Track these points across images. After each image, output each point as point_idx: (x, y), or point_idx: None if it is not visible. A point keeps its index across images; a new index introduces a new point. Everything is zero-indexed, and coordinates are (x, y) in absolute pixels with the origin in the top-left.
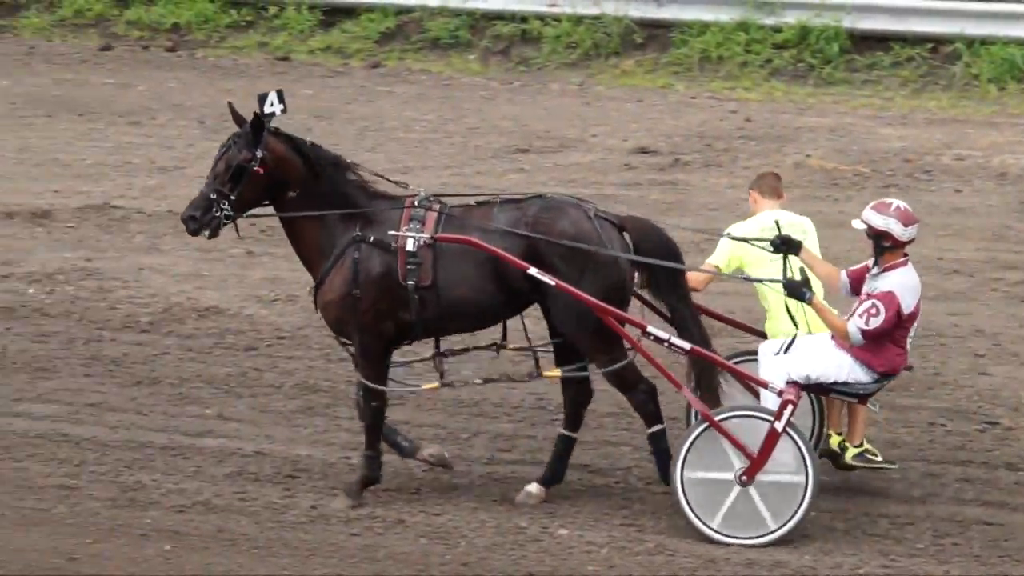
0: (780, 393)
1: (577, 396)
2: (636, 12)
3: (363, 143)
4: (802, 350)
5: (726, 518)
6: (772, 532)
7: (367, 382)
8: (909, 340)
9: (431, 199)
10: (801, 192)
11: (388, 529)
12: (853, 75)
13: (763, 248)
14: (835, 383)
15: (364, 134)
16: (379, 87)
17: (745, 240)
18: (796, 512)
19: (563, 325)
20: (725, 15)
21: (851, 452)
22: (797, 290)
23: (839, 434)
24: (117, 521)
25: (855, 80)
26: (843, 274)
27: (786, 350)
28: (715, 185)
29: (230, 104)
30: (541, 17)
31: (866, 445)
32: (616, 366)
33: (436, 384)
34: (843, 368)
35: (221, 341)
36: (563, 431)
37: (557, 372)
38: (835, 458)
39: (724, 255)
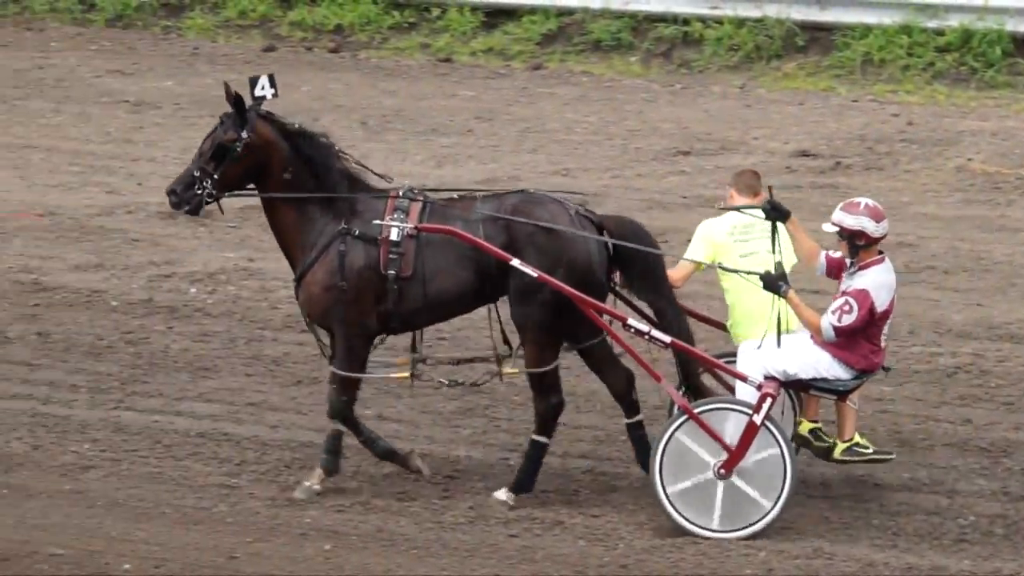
0: (759, 387)
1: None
2: (798, 15)
3: (524, 145)
4: (782, 346)
5: (681, 493)
6: (769, 511)
7: (342, 372)
8: (884, 337)
9: (415, 191)
10: (962, 196)
11: (546, 530)
12: (1016, 79)
13: (753, 217)
14: (814, 379)
15: (525, 136)
16: (540, 89)
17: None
18: (742, 528)
19: (516, 314)
20: (887, 18)
21: (840, 448)
22: (773, 283)
23: (813, 422)
24: (277, 520)
25: (1018, 84)
26: (822, 255)
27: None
28: (876, 188)
29: (225, 84)
30: (703, 19)
31: (856, 439)
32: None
33: (406, 372)
34: (821, 365)
35: (381, 342)
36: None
37: (515, 371)
38: (806, 444)
39: (700, 249)
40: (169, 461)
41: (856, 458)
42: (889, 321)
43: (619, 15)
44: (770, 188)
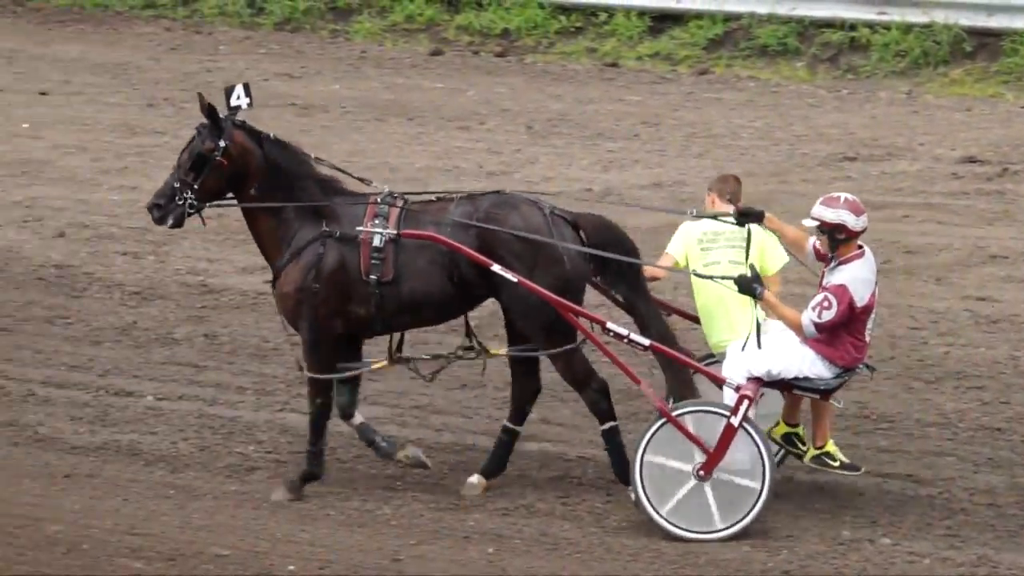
0: (737, 388)
1: (523, 392)
2: (966, 21)
3: (690, 150)
4: (765, 346)
5: (676, 508)
6: (718, 531)
7: (312, 374)
8: (868, 333)
9: (393, 196)
10: None
11: None
12: None
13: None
14: (796, 378)
15: (691, 141)
16: (706, 94)
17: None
18: (745, 516)
19: (517, 318)
20: None
21: (810, 454)
22: (748, 287)
23: (792, 425)
24: (440, 523)
25: None
26: (811, 241)
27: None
28: None
29: (199, 94)
30: (870, 25)
31: (828, 448)
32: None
33: (384, 362)
34: (804, 363)
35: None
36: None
37: (502, 351)
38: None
39: (679, 246)
40: (334, 463)
41: (822, 468)
42: (872, 316)
43: (785, 20)
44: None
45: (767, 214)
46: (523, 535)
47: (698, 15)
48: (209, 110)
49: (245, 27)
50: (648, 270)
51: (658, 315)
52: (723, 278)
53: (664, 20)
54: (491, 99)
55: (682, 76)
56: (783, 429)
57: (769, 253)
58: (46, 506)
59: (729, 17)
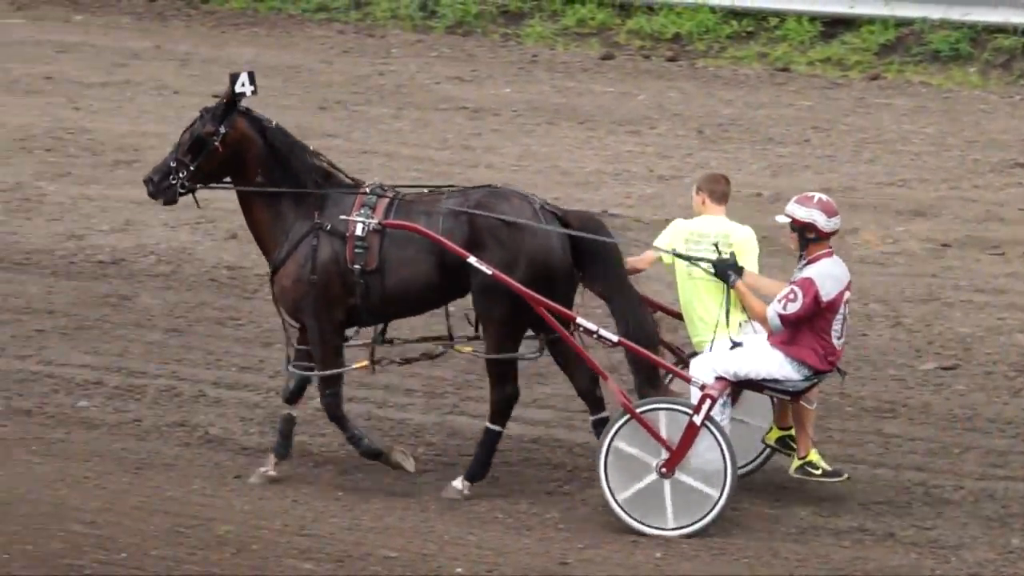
0: (702, 388)
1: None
2: None
3: (860, 155)
4: (737, 347)
5: (632, 498)
6: (669, 529)
7: (323, 369)
8: (838, 339)
9: (384, 187)
10: None
11: (878, 542)
12: None
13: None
14: (765, 379)
15: (862, 146)
16: (877, 99)
17: (689, 258)
18: (698, 521)
19: (477, 305)
20: None
21: (794, 465)
22: (724, 271)
23: (784, 428)
24: (609, 527)
25: None
26: (771, 311)
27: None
28: None
29: (231, 75)
30: None
31: (810, 456)
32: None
33: (365, 362)
34: (772, 364)
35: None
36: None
37: (468, 349)
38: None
39: (664, 239)
40: (502, 467)
41: (806, 477)
42: (841, 318)
43: (958, 26)
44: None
45: (746, 270)
46: (691, 541)
47: (870, 20)
48: (229, 99)
49: (417, 30)
50: (631, 262)
51: (638, 314)
52: (700, 259)
53: (835, 25)
54: (662, 103)
55: (853, 81)
56: (776, 434)
57: (744, 258)
58: (216, 506)
59: (901, 22)
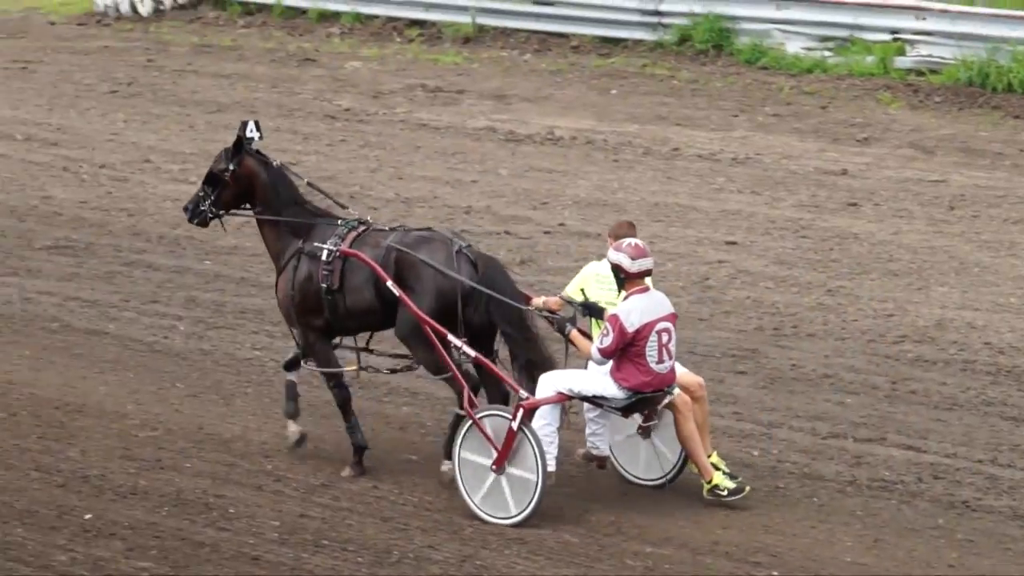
0: (522, 399)
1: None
2: None
3: None
4: (579, 370)
5: (485, 498)
6: (513, 516)
7: (317, 367)
8: (657, 363)
9: (360, 221)
10: None
11: None
12: None
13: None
14: (594, 396)
15: None
16: None
17: (585, 303)
18: (529, 504)
19: (397, 328)
20: None
21: (705, 490)
22: (561, 326)
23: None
24: None
25: None
26: (593, 350)
27: None
28: None
29: (242, 122)
30: None
31: (715, 480)
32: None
33: (355, 367)
34: (598, 383)
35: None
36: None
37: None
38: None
39: (575, 284)
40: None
41: (718, 499)
42: (655, 345)
43: None
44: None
45: (606, 312)
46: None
47: None
48: (237, 141)
49: None
50: (547, 302)
51: (531, 344)
52: (570, 301)
53: None
54: None
55: None
56: (718, 472)
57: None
58: None
59: None
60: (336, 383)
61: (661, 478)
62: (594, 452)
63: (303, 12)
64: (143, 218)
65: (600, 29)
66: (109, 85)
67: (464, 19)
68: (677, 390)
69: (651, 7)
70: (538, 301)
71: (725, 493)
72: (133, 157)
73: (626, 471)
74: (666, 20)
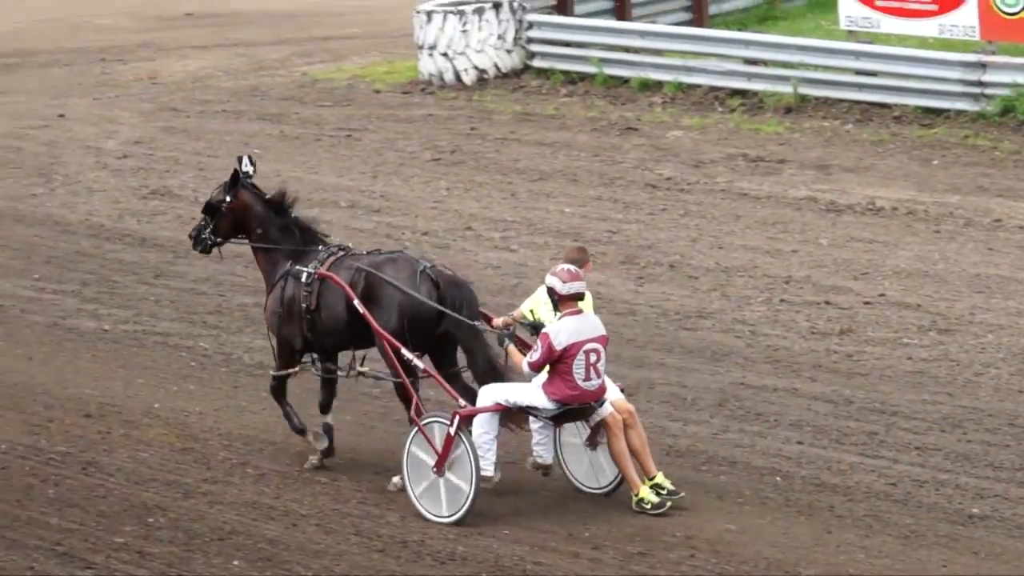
0: (461, 407)
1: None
2: None
3: None
4: (517, 383)
5: (423, 493)
6: (444, 517)
7: (273, 372)
8: (584, 380)
9: (340, 246)
10: None
11: None
12: None
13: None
14: (527, 406)
15: None
16: None
17: (531, 323)
18: (459, 510)
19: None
20: None
21: (633, 501)
22: (500, 339)
23: (650, 478)
24: None
25: None
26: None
27: None
28: None
29: (238, 158)
30: None
31: (641, 494)
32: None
33: (343, 373)
34: (530, 395)
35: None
36: None
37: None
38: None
39: (529, 305)
40: None
41: (643, 512)
42: (583, 363)
43: None
44: (532, 311)
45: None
46: None
47: None
48: (233, 174)
49: None
50: (506, 319)
51: (486, 356)
52: (523, 321)
53: None
54: None
55: None
56: (646, 484)
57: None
58: None
59: None
60: (279, 383)
61: (604, 487)
62: (539, 460)
63: (625, 81)
64: None
65: (922, 99)
66: (432, 153)
67: (786, 89)
68: (609, 408)
69: (974, 78)
70: (498, 321)
71: (649, 506)
72: (455, 224)
73: (574, 478)
74: (989, 91)
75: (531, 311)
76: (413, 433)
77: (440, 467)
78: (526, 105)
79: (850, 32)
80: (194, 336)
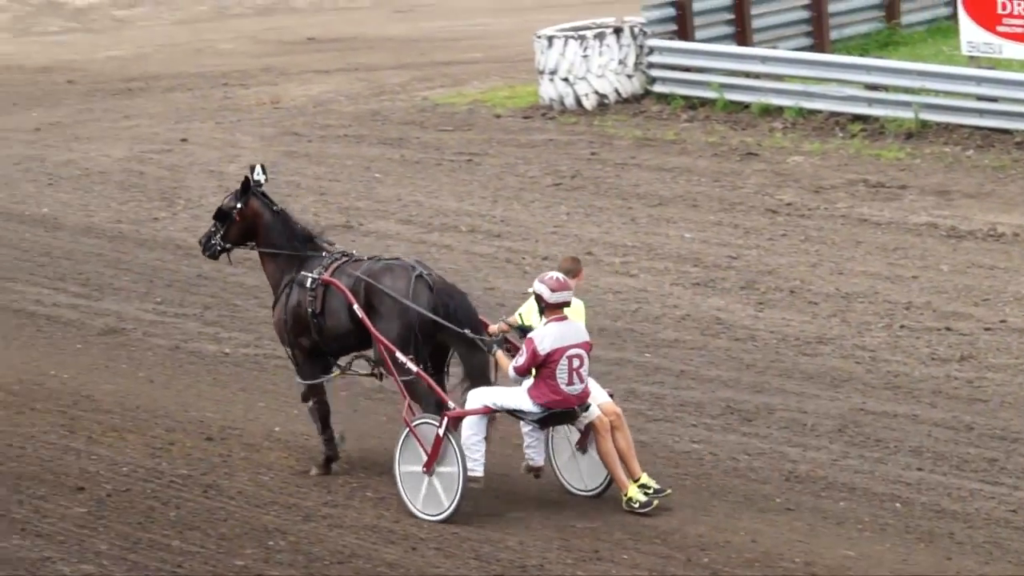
0: (447, 410)
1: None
2: None
3: None
4: (505, 388)
5: (424, 500)
6: (445, 510)
7: (302, 380)
8: (567, 385)
9: (343, 253)
10: None
11: None
12: None
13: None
14: (513, 409)
15: None
16: None
17: (521, 327)
18: (455, 495)
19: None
20: None
21: (623, 501)
22: (489, 346)
23: (635, 480)
24: None
25: None
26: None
27: None
28: None
29: (250, 166)
30: None
31: (629, 493)
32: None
33: (337, 372)
34: (517, 398)
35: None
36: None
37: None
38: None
39: (525, 311)
40: None
41: (632, 511)
42: (566, 368)
43: None
44: (520, 315)
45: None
46: None
47: None
48: (244, 182)
49: None
50: (501, 327)
51: (478, 361)
52: (512, 326)
53: None
54: None
55: None
56: (633, 485)
57: (578, 318)
58: None
59: None
60: (317, 399)
61: (593, 489)
62: (530, 464)
63: (746, 107)
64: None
65: None
66: (552, 178)
67: (907, 114)
68: (596, 411)
69: None
70: (493, 328)
71: (637, 505)
72: (575, 250)
73: (565, 481)
74: None
75: (519, 315)
76: (403, 436)
77: (430, 466)
78: (646, 130)
79: (971, 58)
80: None
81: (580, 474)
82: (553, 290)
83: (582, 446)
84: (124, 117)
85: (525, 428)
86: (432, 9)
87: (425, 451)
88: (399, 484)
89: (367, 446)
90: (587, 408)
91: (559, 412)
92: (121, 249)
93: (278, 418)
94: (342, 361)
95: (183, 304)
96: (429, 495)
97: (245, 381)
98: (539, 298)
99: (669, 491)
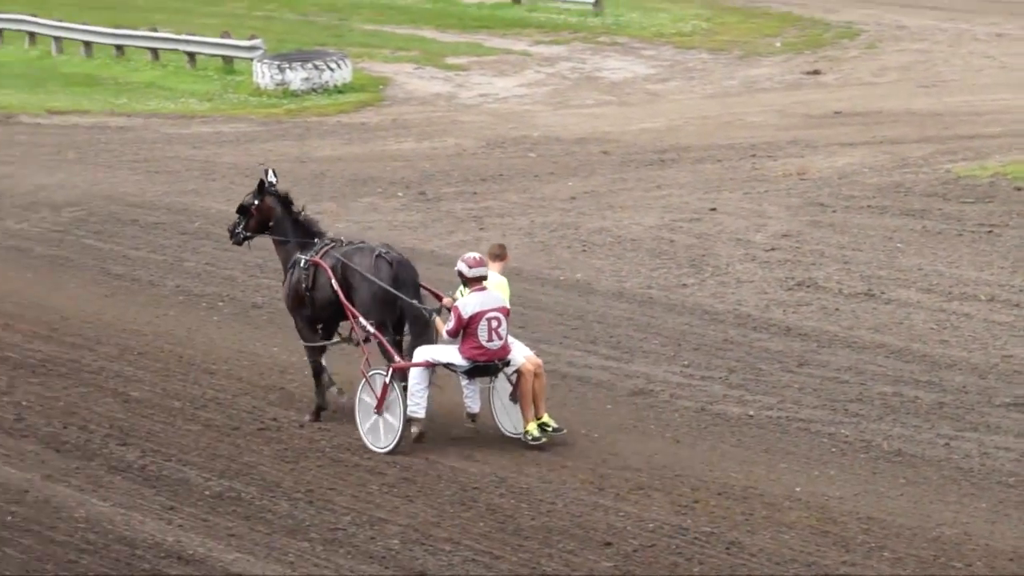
0: (390, 366)
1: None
2: None
3: None
4: (440, 344)
5: (368, 429)
6: (383, 447)
7: (304, 342)
8: (488, 341)
9: (336, 239)
10: None
11: None
12: None
13: None
14: (447, 363)
15: None
16: None
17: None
18: (394, 439)
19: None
20: None
21: (525, 436)
22: (429, 312)
23: (538, 418)
24: None
25: None
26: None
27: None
28: None
29: (265, 169)
30: None
31: (528, 428)
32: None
33: (337, 339)
34: (448, 354)
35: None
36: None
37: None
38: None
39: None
40: None
41: (529, 441)
42: (486, 328)
43: None
44: (462, 292)
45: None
46: None
47: None
48: (260, 183)
49: None
50: (445, 301)
51: (425, 324)
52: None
53: None
54: None
55: None
56: (534, 423)
57: (504, 294)
58: None
59: None
60: (316, 357)
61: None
62: (468, 411)
63: None
64: None
65: None
66: None
67: None
68: (523, 360)
69: None
70: (448, 300)
71: (530, 438)
72: None
73: (501, 426)
74: None
75: (460, 291)
76: (362, 383)
77: (379, 408)
78: None
79: None
80: (835, 423)
81: (511, 419)
82: (471, 266)
83: (514, 396)
84: (656, 187)
85: (463, 381)
86: (955, 85)
87: (376, 395)
88: (358, 422)
89: (885, 507)
90: (508, 363)
91: (483, 365)
92: (651, 313)
93: (799, 479)
94: (343, 330)
95: (709, 367)
96: (376, 429)
97: (768, 442)
98: (460, 273)
99: (564, 430)
